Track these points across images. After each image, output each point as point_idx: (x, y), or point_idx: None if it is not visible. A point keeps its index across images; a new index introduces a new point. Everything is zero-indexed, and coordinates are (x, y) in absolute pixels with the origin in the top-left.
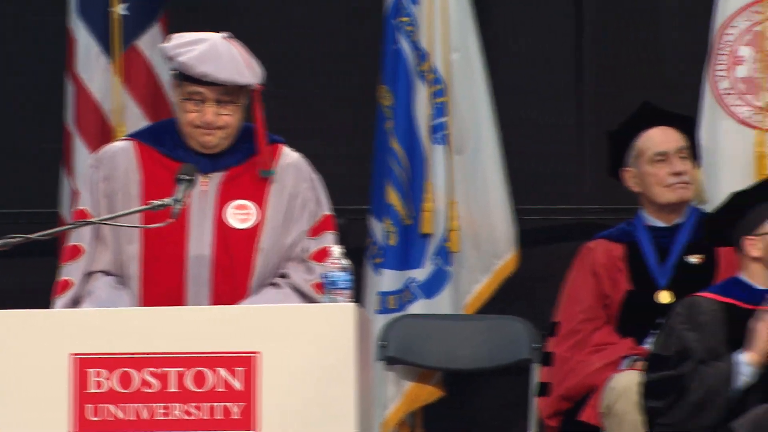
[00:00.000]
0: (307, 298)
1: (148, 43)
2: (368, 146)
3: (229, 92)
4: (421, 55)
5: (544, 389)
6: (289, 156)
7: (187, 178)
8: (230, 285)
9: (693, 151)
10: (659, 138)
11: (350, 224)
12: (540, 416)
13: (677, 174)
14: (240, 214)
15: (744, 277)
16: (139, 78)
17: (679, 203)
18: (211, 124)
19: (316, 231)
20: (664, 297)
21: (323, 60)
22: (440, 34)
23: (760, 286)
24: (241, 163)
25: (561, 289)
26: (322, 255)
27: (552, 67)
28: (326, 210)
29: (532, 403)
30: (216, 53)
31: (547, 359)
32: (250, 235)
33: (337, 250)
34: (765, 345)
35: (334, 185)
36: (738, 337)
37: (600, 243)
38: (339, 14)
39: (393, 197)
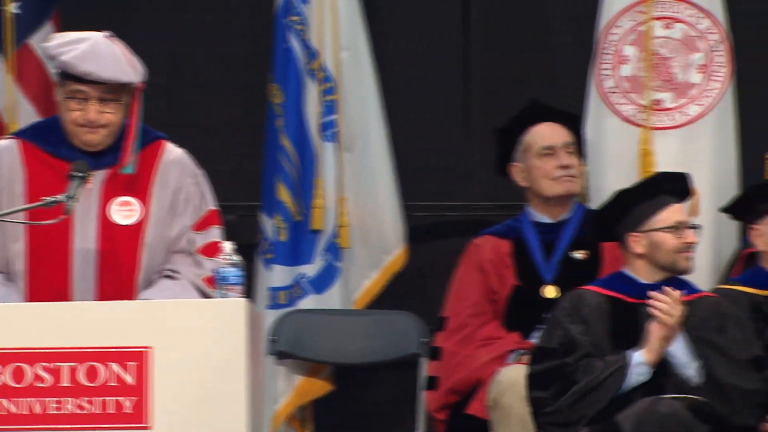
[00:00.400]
0: (200, 293)
1: (41, 41)
2: (259, 143)
3: (111, 90)
4: (311, 54)
5: (432, 383)
6: (172, 152)
7: (80, 174)
8: (116, 281)
9: (579, 147)
10: (546, 132)
11: (241, 220)
12: (428, 410)
13: (564, 167)
14: (124, 211)
15: (628, 271)
16: (31, 76)
17: (566, 196)
18: (94, 122)
19: (201, 225)
20: (550, 292)
21: (214, 58)
22: (330, 33)
23: (643, 281)
24: None
25: (449, 284)
26: (210, 249)
27: (440, 65)
28: (211, 205)
29: (421, 396)
30: (98, 52)
31: (435, 354)
32: (135, 231)
33: (228, 246)
34: (658, 343)
35: (224, 181)
36: (621, 330)
37: (487, 239)
38: (230, 13)
39: (283, 194)
